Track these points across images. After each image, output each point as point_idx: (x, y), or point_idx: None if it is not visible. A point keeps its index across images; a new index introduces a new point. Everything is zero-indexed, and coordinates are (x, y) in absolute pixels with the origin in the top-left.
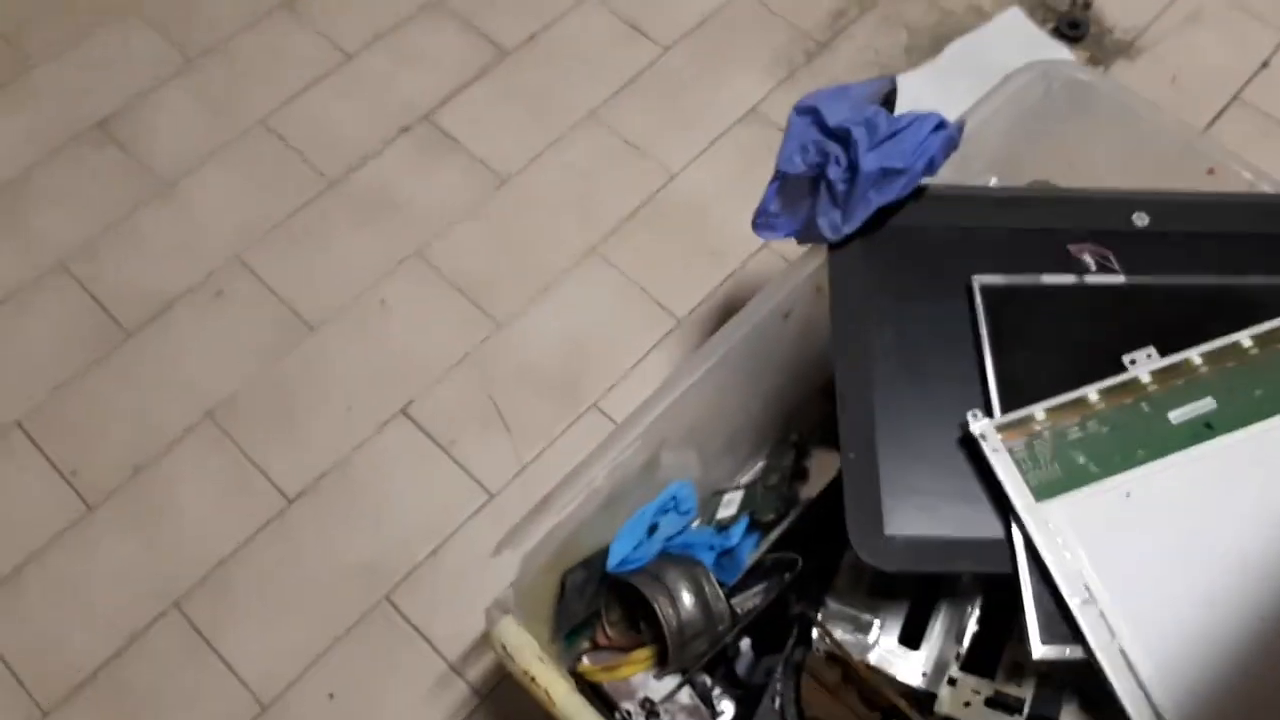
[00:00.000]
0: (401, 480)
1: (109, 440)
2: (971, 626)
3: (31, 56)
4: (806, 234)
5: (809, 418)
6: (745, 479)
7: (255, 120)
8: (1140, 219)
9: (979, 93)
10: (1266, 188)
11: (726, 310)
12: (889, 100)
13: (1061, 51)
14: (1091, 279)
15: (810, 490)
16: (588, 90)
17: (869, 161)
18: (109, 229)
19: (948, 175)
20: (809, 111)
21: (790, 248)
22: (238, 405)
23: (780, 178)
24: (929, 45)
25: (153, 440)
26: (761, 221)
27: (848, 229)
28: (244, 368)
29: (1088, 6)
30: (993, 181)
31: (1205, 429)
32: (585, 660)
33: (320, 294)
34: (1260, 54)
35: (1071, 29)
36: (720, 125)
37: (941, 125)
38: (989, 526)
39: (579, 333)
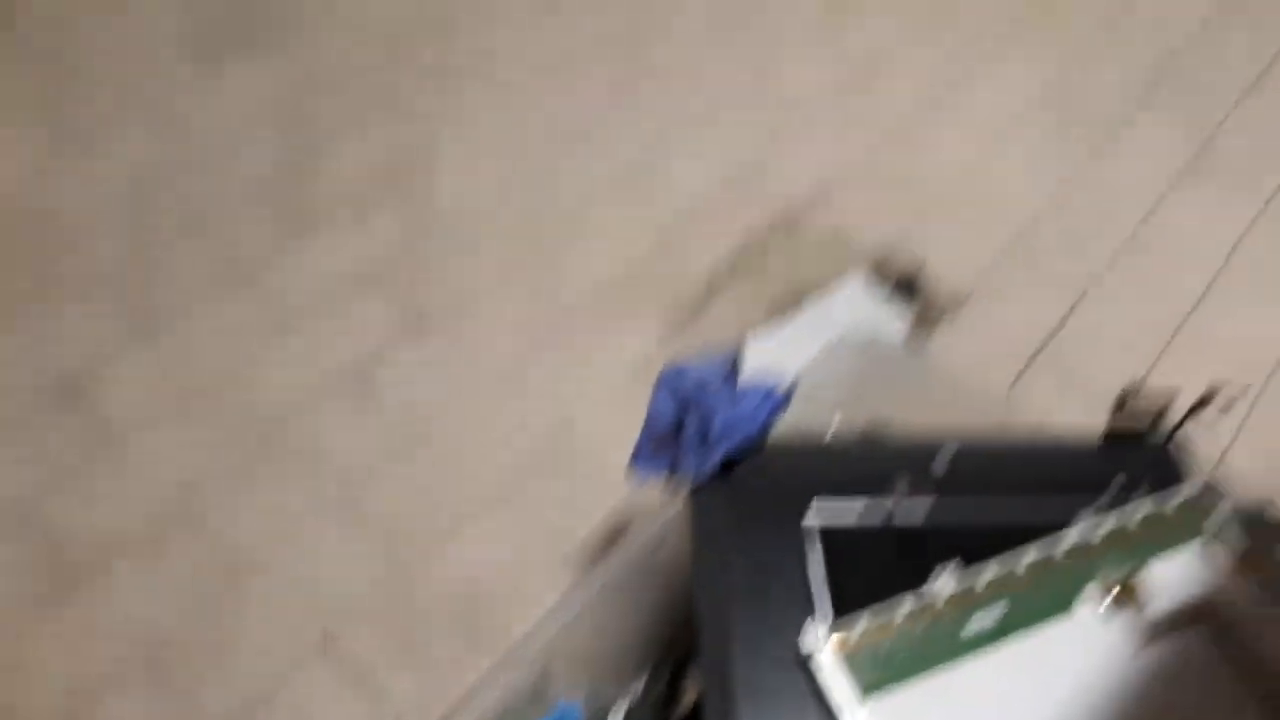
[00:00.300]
0: (321, 714)
1: (43, 682)
2: None
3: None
4: (671, 477)
5: (685, 640)
6: (627, 699)
7: (203, 380)
8: (948, 462)
9: (822, 348)
10: (1068, 436)
11: (617, 541)
12: (739, 362)
13: (896, 310)
14: (903, 516)
15: (685, 708)
16: (502, 350)
17: (717, 422)
18: (61, 479)
19: (799, 411)
20: (669, 376)
21: (665, 486)
22: (173, 645)
23: (648, 429)
24: (788, 305)
25: (86, 681)
26: (635, 465)
27: (701, 476)
28: (181, 610)
29: (919, 273)
30: (836, 419)
31: (998, 633)
32: None
33: (255, 537)
34: (1064, 306)
35: (907, 289)
36: (616, 377)
37: (773, 392)
38: None
39: (487, 568)
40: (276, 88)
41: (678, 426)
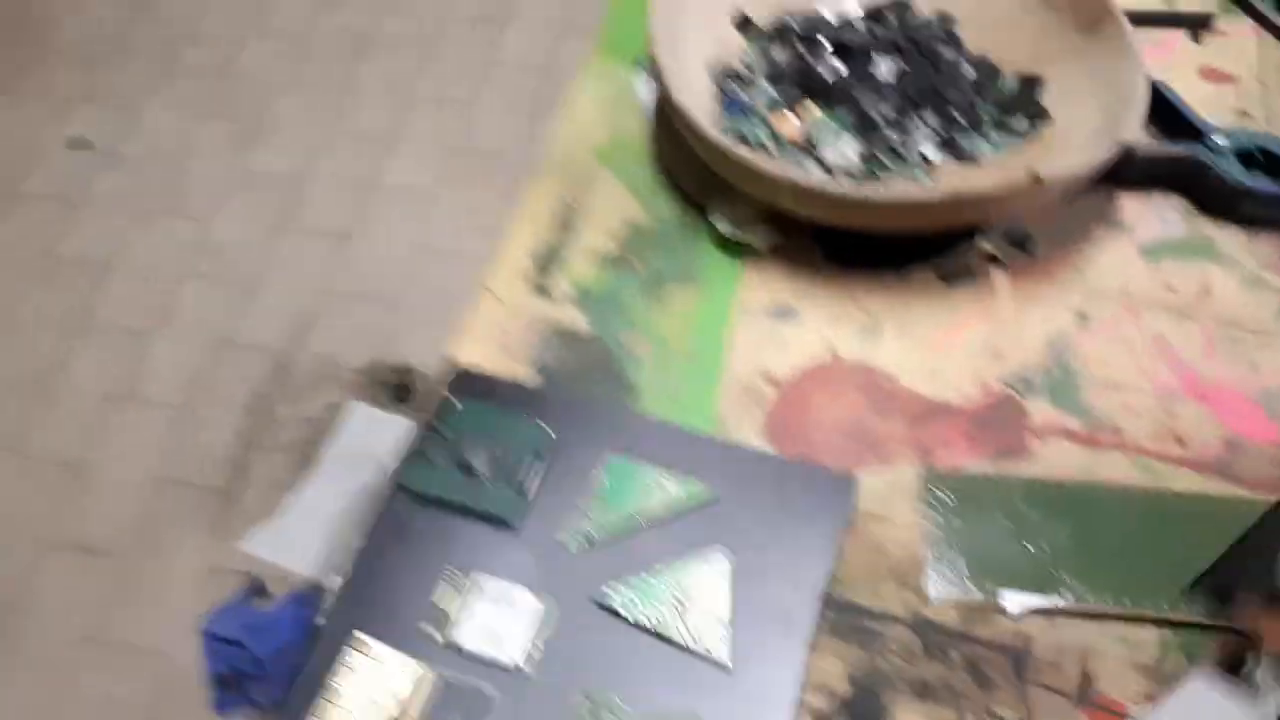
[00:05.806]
0: None
1: None
2: None
3: None
4: (252, 710)
5: None
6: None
7: None
8: None
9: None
10: None
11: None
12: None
13: (398, 416)
14: None
15: None
16: None
17: (265, 654)
18: None
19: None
20: (210, 630)
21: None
22: None
23: (213, 679)
24: (309, 457)
25: None
26: (219, 712)
27: (272, 700)
28: None
29: (409, 375)
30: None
31: None
32: None
33: None
34: None
35: (401, 396)
36: (181, 599)
37: (300, 598)
38: None
39: None
40: None
41: (236, 669)
